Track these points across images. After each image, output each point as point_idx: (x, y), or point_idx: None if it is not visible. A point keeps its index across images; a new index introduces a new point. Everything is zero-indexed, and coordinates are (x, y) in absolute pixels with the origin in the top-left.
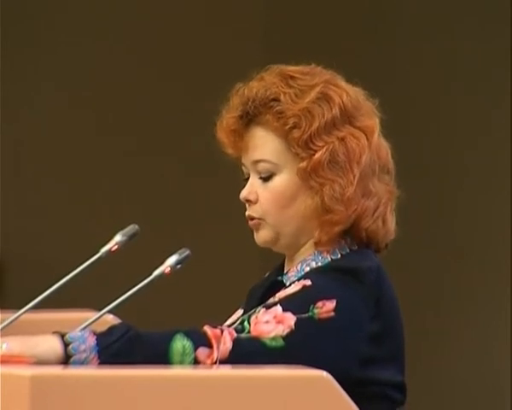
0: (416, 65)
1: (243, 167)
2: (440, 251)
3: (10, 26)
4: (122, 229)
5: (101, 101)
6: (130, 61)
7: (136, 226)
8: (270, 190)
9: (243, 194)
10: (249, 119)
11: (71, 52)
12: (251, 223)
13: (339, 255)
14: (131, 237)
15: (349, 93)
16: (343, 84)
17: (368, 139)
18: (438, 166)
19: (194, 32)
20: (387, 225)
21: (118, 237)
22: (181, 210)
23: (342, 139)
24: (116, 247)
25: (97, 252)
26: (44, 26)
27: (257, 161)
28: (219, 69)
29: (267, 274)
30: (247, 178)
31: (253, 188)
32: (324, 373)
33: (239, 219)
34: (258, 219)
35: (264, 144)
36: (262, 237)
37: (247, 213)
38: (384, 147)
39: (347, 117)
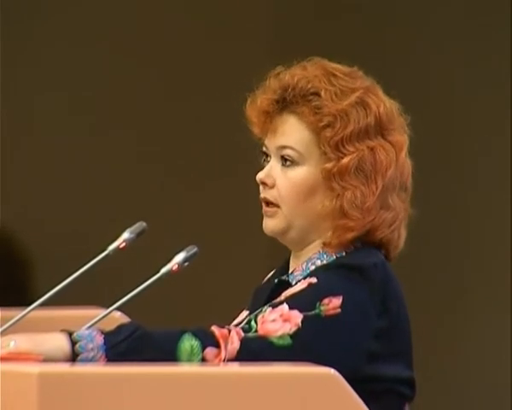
0: (423, 68)
1: (264, 149)
2: (446, 251)
3: (10, 25)
4: (130, 226)
5: (109, 98)
6: (136, 62)
7: (144, 224)
8: (290, 179)
9: (260, 175)
10: (285, 105)
11: (73, 52)
12: (266, 209)
13: (344, 253)
14: (139, 235)
15: (386, 105)
16: (381, 94)
17: (396, 154)
18: (444, 170)
19: (199, 34)
20: (401, 240)
21: (125, 235)
22: (188, 207)
23: (372, 149)
24: (124, 244)
25: (105, 249)
26: (45, 25)
27: (283, 147)
28: (227, 71)
29: (270, 274)
30: (266, 162)
31: (271, 171)
32: (332, 370)
33: (247, 216)
34: (274, 205)
35: (293, 132)
36: (271, 225)
37: (262, 195)
38: (408, 165)
39: (380, 128)
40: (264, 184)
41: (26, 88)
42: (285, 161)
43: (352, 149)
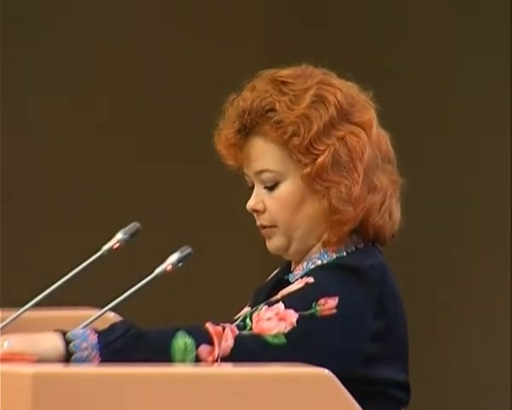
0: (421, 69)
1: (246, 177)
2: (446, 251)
3: (11, 25)
4: (124, 227)
5: (103, 100)
6: (134, 62)
7: (138, 224)
8: (277, 199)
9: (250, 204)
10: (247, 130)
11: (73, 52)
12: (263, 231)
13: (344, 254)
14: (133, 235)
15: (343, 90)
16: (336, 81)
17: (367, 134)
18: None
19: (199, 35)
20: (393, 218)
21: (119, 235)
22: (183, 208)
23: (342, 139)
24: (118, 245)
25: (99, 250)
26: (45, 25)
27: (260, 172)
28: (222, 69)
29: (275, 273)
30: (252, 187)
31: (259, 198)
32: (326, 371)
33: (241, 216)
34: (271, 226)
35: (265, 154)
36: (274, 244)
37: (257, 222)
38: (383, 137)
39: (344, 115)
40: (255, 211)
41: (25, 88)
42: (266, 183)
43: (322, 147)
